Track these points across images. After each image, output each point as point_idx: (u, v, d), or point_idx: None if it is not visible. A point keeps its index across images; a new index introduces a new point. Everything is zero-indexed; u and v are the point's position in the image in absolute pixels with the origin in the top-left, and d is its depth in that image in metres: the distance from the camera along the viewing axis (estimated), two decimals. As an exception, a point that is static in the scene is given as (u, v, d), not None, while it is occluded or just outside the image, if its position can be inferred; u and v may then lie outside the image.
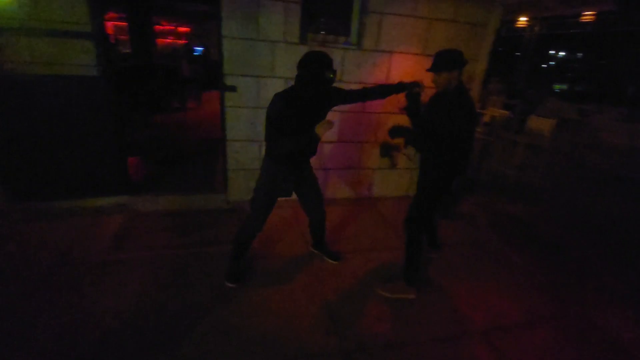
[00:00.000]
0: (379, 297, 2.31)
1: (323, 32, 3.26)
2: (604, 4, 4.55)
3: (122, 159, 3.17)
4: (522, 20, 12.81)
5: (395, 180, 3.94)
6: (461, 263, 2.80)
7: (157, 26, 11.01)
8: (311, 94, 1.93)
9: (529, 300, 2.43)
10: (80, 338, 1.81)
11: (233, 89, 3.06)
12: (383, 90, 2.34)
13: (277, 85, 3.14)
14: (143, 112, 6.38)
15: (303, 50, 3.08)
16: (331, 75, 1.89)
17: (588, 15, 12.64)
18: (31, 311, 1.96)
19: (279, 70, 3.11)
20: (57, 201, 3.04)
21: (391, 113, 3.54)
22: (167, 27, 11.85)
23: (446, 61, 2.04)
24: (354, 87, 3.34)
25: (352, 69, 3.31)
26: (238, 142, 3.26)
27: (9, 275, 2.23)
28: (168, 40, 11.82)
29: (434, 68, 2.08)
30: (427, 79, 3.49)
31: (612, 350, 2.05)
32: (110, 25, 9.85)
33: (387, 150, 3.82)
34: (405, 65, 3.43)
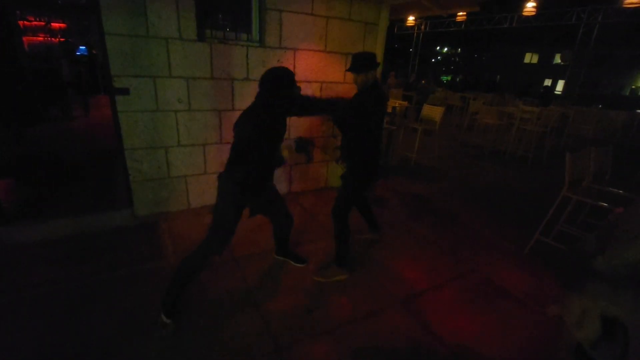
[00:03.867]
0: (308, 288, 2.36)
1: (223, 29, 3.14)
2: (470, 6, 5.36)
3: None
4: (411, 19, 14.25)
5: (313, 174, 4.05)
6: (380, 242, 3.03)
7: (22, 21, 9.24)
8: (281, 112, 1.93)
9: (436, 266, 2.76)
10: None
11: (125, 91, 2.75)
12: (322, 106, 2.46)
13: (176, 86, 2.93)
14: (13, 124, 5.32)
15: (202, 47, 2.94)
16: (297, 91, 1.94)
17: (461, 16, 14.70)
18: None
19: (177, 70, 2.89)
20: None
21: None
22: (36, 23, 10.02)
23: (362, 63, 2.21)
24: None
25: (257, 67, 3.26)
26: (138, 150, 2.95)
27: None
28: (39, 38, 10.01)
29: (353, 69, 2.26)
30: (331, 75, 3.67)
31: (502, 296, 2.46)
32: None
33: (302, 146, 3.89)
34: (309, 62, 3.52)
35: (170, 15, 2.75)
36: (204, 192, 3.39)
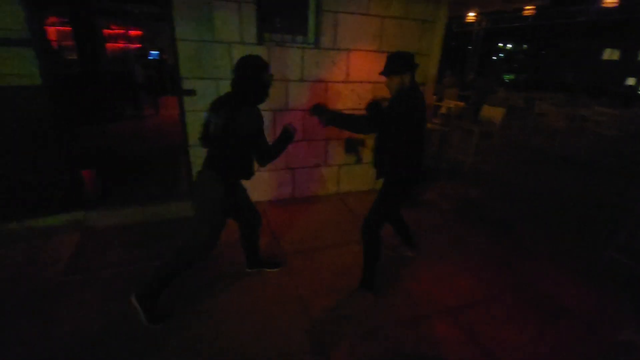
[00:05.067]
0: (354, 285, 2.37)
1: (280, 32, 3.26)
2: (540, -1, 4.95)
3: (74, 173, 2.98)
4: (471, 15, 13.52)
5: (361, 175, 4.04)
6: (426, 247, 2.94)
7: (106, 30, 10.41)
8: (261, 98, 1.90)
9: (488, 277, 2.60)
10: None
11: (192, 92, 2.99)
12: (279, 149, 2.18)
13: (236, 87, 3.10)
14: (95, 122, 6.04)
15: (261, 50, 3.08)
16: (269, 78, 1.87)
17: (529, 10, 13.59)
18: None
19: (238, 72, 3.07)
20: (4, 224, 2.81)
21: (352, 109, 3.63)
22: (117, 31, 11.23)
23: (397, 65, 2.01)
24: (315, 85, 3.39)
25: (311, 68, 3.34)
26: (201, 146, 3.17)
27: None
28: (119, 44, 11.21)
29: (386, 72, 2.05)
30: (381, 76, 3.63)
31: (563, 314, 2.25)
32: (52, 31, 9.19)
33: (352, 146, 3.91)
34: (363, 62, 3.52)
35: (233, 21, 2.93)
36: (255, 187, 3.55)
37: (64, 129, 2.80)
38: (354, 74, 3.53)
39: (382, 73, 2.08)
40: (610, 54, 27.83)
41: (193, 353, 1.81)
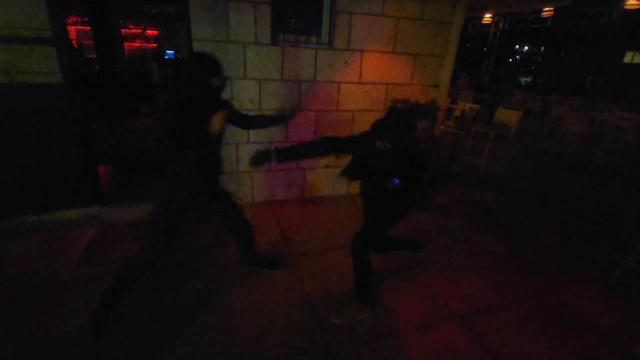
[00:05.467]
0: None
1: (294, 33, 3.28)
2: (560, 0, 4.82)
3: (91, 168, 3.06)
4: (487, 17, 13.31)
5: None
6: (437, 252, 2.90)
7: (124, 29, 10.64)
8: (197, 99, 1.70)
9: (502, 284, 2.55)
10: (52, 354, 1.74)
11: (205, 92, 3.02)
12: (265, 121, 2.28)
13: (249, 87, 3.13)
14: (111, 119, 6.17)
15: (275, 51, 3.10)
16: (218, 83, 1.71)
17: (547, 11, 13.31)
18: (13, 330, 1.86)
19: (252, 72, 3.10)
20: (23, 216, 2.90)
21: (364, 110, 3.62)
22: (135, 31, 11.46)
23: (400, 132, 1.90)
24: (327, 86, 3.39)
25: (324, 69, 3.34)
26: (213, 145, 3.21)
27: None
28: (136, 43, 11.44)
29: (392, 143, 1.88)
30: (398, 77, 3.60)
31: (578, 324, 2.19)
32: (72, 30, 9.44)
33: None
34: (376, 63, 3.51)
35: (248, 21, 2.95)
36: (266, 187, 3.58)
37: (82, 126, 2.87)
38: (367, 75, 3.51)
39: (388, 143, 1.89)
40: (632, 58, 26.98)
41: (204, 346, 1.84)
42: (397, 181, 1.89)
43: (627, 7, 10.51)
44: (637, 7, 10.64)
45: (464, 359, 1.89)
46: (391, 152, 1.87)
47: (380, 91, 3.63)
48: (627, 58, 27.15)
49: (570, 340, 2.06)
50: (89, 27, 7.96)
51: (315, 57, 3.27)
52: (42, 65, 2.61)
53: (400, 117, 1.89)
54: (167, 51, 10.97)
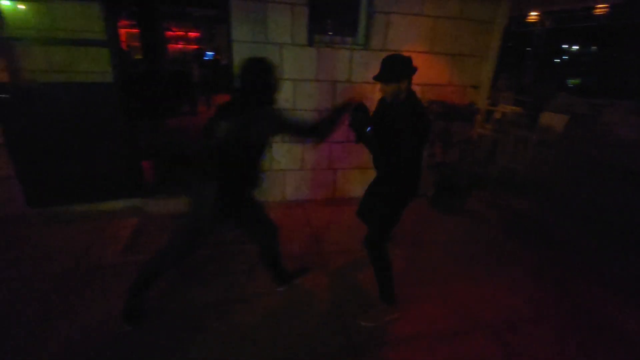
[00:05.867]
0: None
1: (330, 33, 3.30)
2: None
3: (136, 163, 3.25)
4: (533, 15, 12.61)
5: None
6: (471, 259, 2.80)
7: (168, 32, 11.23)
8: (258, 103, 1.73)
9: (538, 296, 2.41)
10: (92, 342, 1.85)
11: (242, 91, 3.12)
12: (328, 124, 1.88)
13: (284, 87, 3.19)
14: (155, 117, 6.53)
15: (311, 52, 3.14)
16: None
17: (601, 8, 12.38)
18: (44, 314, 2.01)
19: (288, 72, 3.16)
20: (73, 205, 3.15)
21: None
22: (178, 33, 12.07)
23: (394, 70, 1.80)
24: (362, 86, 3.38)
25: (359, 70, 3.33)
26: (248, 143, 3.31)
27: (24, 278, 2.30)
28: (179, 45, 12.03)
29: (382, 78, 1.82)
30: (435, 77, 3.52)
31: (619, 342, 2.03)
32: (122, 33, 10.10)
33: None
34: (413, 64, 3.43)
35: (285, 22, 3.01)
36: (299, 186, 3.63)
37: (129, 123, 3.07)
38: (402, 75, 3.45)
39: (376, 78, 1.83)
40: (700, 57, 24.39)
41: (237, 338, 1.91)
42: (370, 128, 1.80)
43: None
44: None
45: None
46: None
47: (416, 92, 3.55)
48: (693, 58, 24.59)
49: (611, 357, 1.91)
50: (137, 30, 8.49)
51: (351, 58, 3.27)
52: (95, 65, 2.83)
53: None
54: (207, 52, 11.44)
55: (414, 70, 1.84)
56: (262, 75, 1.72)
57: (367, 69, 3.34)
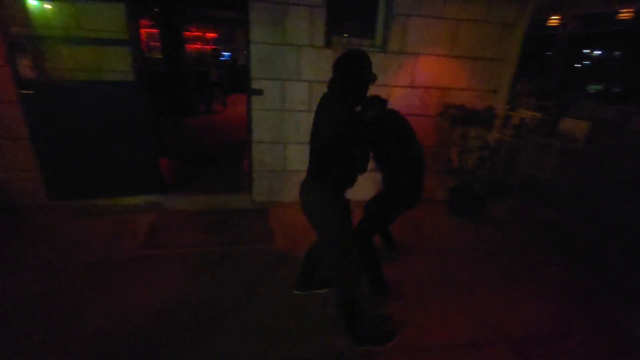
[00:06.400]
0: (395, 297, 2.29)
1: (347, 35, 3.28)
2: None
3: (156, 160, 3.31)
4: (554, 18, 12.30)
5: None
6: (493, 269, 2.73)
7: (187, 32, 11.43)
8: (356, 99, 1.68)
9: (563, 310, 2.33)
10: (113, 332, 1.90)
11: (259, 92, 3.14)
12: None
13: (301, 88, 3.19)
14: (173, 115, 6.64)
15: (328, 53, 3.13)
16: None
17: (626, 12, 11.97)
18: (69, 304, 2.07)
19: (305, 74, 3.16)
20: (96, 199, 3.22)
21: (414, 115, 3.50)
22: (196, 33, 12.27)
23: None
24: (378, 89, 3.34)
25: (377, 72, 3.28)
26: (263, 143, 3.33)
27: (51, 267, 2.38)
28: (196, 45, 12.23)
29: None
30: (454, 81, 3.46)
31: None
32: (143, 33, 10.33)
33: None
34: (431, 67, 3.40)
35: (303, 25, 3.02)
36: (359, 186, 3.60)
37: (150, 121, 3.12)
38: (420, 79, 3.42)
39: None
40: None
41: (247, 339, 1.91)
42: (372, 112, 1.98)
43: None
44: None
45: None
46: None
47: (433, 95, 3.51)
48: None
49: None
50: (157, 30, 8.67)
51: (368, 60, 3.25)
52: (119, 64, 2.89)
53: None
54: (224, 53, 11.59)
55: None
56: (351, 69, 1.62)
57: (385, 71, 3.31)
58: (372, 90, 3.43)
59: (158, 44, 8.81)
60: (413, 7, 3.14)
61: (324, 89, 3.22)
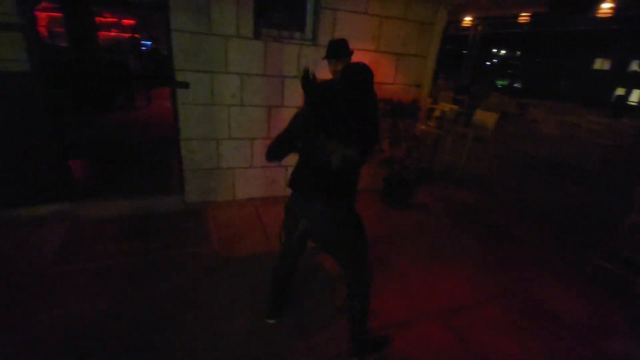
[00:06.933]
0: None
1: (278, 28, 3.22)
2: (537, 5, 5.00)
3: (64, 162, 2.91)
4: (467, 20, 13.59)
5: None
6: (418, 249, 2.94)
7: (99, 18, 10.19)
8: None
9: (481, 281, 2.62)
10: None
11: (185, 85, 2.93)
12: None
13: (231, 82, 3.06)
14: (85, 111, 5.90)
15: (257, 45, 3.04)
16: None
17: (524, 16, 13.71)
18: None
19: (233, 66, 3.02)
20: (-15, 212, 2.72)
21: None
22: (110, 19, 11.01)
23: (340, 49, 2.26)
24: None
25: (308, 65, 3.29)
26: (193, 140, 3.13)
27: None
28: (111, 33, 10.98)
29: (332, 55, 2.27)
30: (382, 76, 3.61)
31: (553, 321, 2.27)
32: (43, 17, 8.95)
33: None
34: (360, 61, 3.49)
35: (230, 13, 2.88)
36: (249, 184, 3.52)
37: (53, 117, 2.72)
38: (351, 73, 3.50)
39: (327, 57, 2.31)
40: (601, 64, 28.33)
41: (186, 344, 1.78)
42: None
43: (599, 15, 10.99)
44: (609, 15, 11.14)
45: (444, 357, 1.92)
46: None
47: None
48: (597, 65, 28.49)
49: (544, 337, 2.13)
50: (60, 14, 7.59)
51: (299, 53, 3.23)
52: (9, 52, 2.45)
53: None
54: (144, 42, 10.61)
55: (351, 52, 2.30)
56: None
57: (317, 64, 3.32)
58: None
59: (63, 29, 7.72)
60: (340, 1, 3.19)
61: (256, 81, 3.18)
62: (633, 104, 19.87)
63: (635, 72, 23.34)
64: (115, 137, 5.01)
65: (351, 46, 3.36)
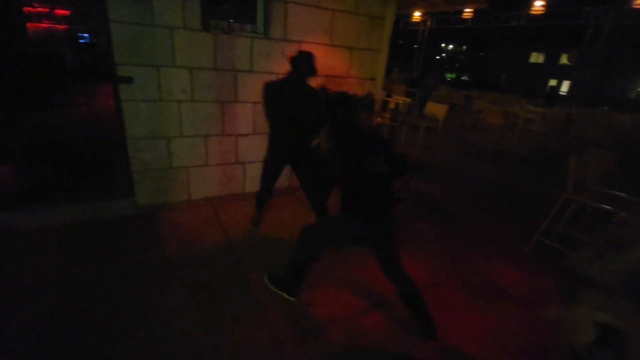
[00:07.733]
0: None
1: (228, 19, 3.11)
2: (478, 2, 5.32)
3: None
4: (417, 15, 14.12)
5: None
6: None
7: (27, 7, 9.19)
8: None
9: (434, 264, 2.76)
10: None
11: (129, 80, 2.73)
12: None
13: (180, 76, 2.91)
14: (10, 110, 5.31)
15: (206, 37, 2.92)
16: None
17: (468, 13, 14.54)
18: None
19: (181, 59, 2.88)
20: None
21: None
22: (41, 9, 9.96)
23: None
24: (265, 77, 3.29)
25: (261, 59, 3.24)
26: (141, 139, 2.94)
27: None
28: (43, 24, 9.96)
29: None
30: (336, 69, 3.64)
31: (501, 296, 2.46)
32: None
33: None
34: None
35: (175, 3, 2.73)
36: (204, 183, 3.39)
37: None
38: (305, 66, 3.48)
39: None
40: (536, 58, 30.91)
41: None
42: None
43: (532, 12, 11.95)
44: (542, 12, 12.15)
45: (402, 338, 2.00)
46: None
47: (317, 84, 3.63)
48: (533, 58, 31.05)
49: (493, 311, 2.30)
50: (-23, 2, 6.71)
51: (251, 47, 3.15)
52: None
53: None
54: (81, 34, 9.77)
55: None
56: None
57: (269, 58, 3.27)
58: (256, 78, 3.38)
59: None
60: (291, -7, 3.15)
61: (205, 75, 3.05)
62: (563, 93, 21.94)
63: (565, 64, 25.73)
64: (51, 139, 4.57)
65: (304, 39, 3.37)
